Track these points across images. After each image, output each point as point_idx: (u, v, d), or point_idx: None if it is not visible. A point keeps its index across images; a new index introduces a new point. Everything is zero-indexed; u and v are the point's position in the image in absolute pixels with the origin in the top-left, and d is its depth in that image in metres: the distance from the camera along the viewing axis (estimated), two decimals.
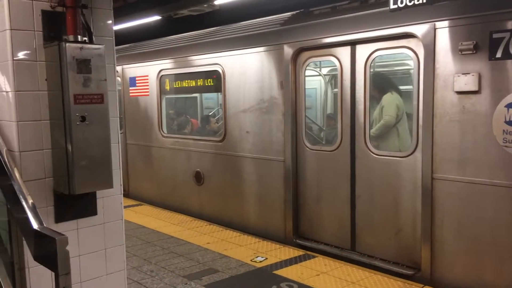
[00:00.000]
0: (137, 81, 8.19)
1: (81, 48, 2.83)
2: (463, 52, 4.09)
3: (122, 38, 9.45)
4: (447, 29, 4.25)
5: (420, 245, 4.57)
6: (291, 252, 5.33)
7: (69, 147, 2.81)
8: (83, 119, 2.84)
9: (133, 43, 9.09)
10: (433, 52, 4.33)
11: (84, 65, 2.83)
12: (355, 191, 5.14)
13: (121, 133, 8.81)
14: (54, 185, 3.00)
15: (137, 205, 7.87)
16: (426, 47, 4.38)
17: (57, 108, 2.88)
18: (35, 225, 2.35)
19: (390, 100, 5.17)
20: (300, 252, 5.31)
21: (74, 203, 3.07)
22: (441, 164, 4.33)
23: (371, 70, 4.96)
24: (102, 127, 2.94)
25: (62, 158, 2.88)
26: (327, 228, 5.46)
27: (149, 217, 6.99)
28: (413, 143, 4.60)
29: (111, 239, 3.30)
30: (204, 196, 7.03)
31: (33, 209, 2.43)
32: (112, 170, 3.00)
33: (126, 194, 8.67)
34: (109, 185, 3.00)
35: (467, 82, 4.09)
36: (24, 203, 2.45)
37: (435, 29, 4.30)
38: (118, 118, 3.31)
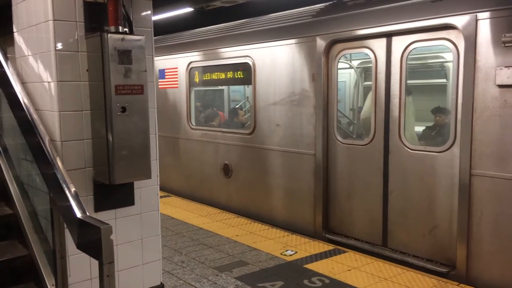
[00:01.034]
0: (166, 73, 8.23)
1: (122, 39, 2.84)
2: (506, 44, 3.95)
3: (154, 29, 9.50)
4: (489, 20, 4.11)
5: (456, 242, 4.47)
6: (320, 246, 5.28)
7: (110, 138, 2.84)
8: (123, 109, 2.86)
9: (162, 35, 9.13)
10: (474, 44, 4.19)
11: (125, 56, 2.85)
12: (388, 186, 5.05)
13: None
14: (94, 175, 3.03)
15: (165, 196, 7.94)
16: (467, 39, 4.24)
17: (98, 98, 2.91)
18: (78, 213, 2.37)
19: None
20: (330, 247, 5.26)
21: (113, 193, 3.10)
22: (480, 160, 4.21)
23: (408, 62, 4.84)
24: (142, 118, 2.95)
25: (103, 148, 2.91)
26: (358, 223, 5.39)
27: (178, 208, 7.04)
28: (451, 138, 4.48)
29: (148, 229, 3.33)
30: (232, 189, 7.03)
31: (76, 198, 2.46)
32: (150, 161, 3.02)
33: None
34: (148, 175, 3.02)
35: (510, 76, 3.94)
36: (67, 192, 2.49)
37: (476, 20, 4.16)
38: (155, 109, 3.32)
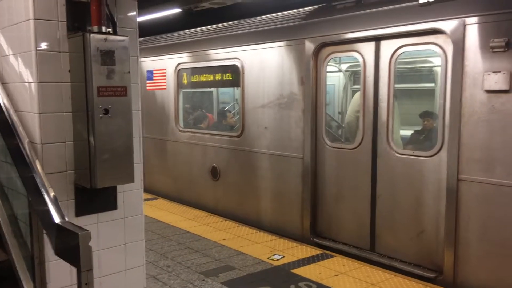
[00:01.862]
0: (154, 75, 8.15)
1: (105, 40, 2.77)
2: (494, 50, 3.95)
3: (140, 30, 9.41)
4: (477, 25, 4.11)
5: (443, 247, 4.45)
6: (308, 251, 5.24)
7: (92, 140, 2.76)
8: (106, 111, 2.78)
9: (151, 36, 9.04)
10: (462, 49, 4.19)
11: (108, 56, 2.77)
12: (376, 190, 5.03)
13: None
14: (75, 178, 2.95)
15: (152, 199, 7.85)
16: (455, 44, 4.24)
17: (80, 100, 2.83)
18: (57, 219, 2.30)
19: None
20: (318, 251, 5.22)
21: (95, 197, 3.02)
22: (467, 165, 4.20)
23: (396, 66, 4.83)
24: (125, 121, 2.88)
25: (84, 151, 2.83)
26: (345, 228, 5.36)
27: (165, 211, 6.96)
28: (439, 143, 4.47)
29: (131, 234, 3.25)
30: (220, 192, 6.97)
31: (55, 202, 2.38)
32: (133, 164, 2.94)
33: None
34: (131, 179, 2.94)
35: (498, 81, 3.95)
36: (46, 196, 2.41)
37: (464, 25, 4.16)
38: (140, 111, 3.25)
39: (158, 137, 8.17)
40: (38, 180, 2.49)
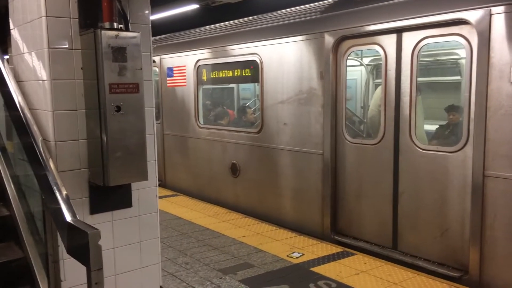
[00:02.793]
0: (174, 72, 8.15)
1: (116, 36, 2.74)
2: None
3: (161, 28, 9.46)
4: (503, 14, 3.92)
5: (469, 246, 4.29)
6: (328, 248, 5.15)
7: (104, 138, 2.75)
8: (118, 109, 2.76)
9: (171, 33, 9.06)
10: (488, 40, 4.01)
11: (119, 53, 2.75)
12: (398, 187, 4.89)
13: (158, 124, 8.82)
14: (89, 176, 2.95)
15: (173, 195, 7.87)
16: (480, 35, 4.06)
17: (92, 97, 2.82)
18: (68, 217, 2.29)
19: None
20: (338, 249, 5.12)
21: (109, 195, 3.01)
22: (494, 161, 4.03)
23: (419, 59, 4.67)
24: (138, 117, 2.85)
25: (97, 149, 2.82)
26: (367, 225, 5.24)
27: (185, 208, 6.96)
28: (464, 138, 4.31)
29: (146, 232, 3.23)
30: (240, 189, 6.93)
31: (67, 201, 2.37)
32: (147, 162, 2.92)
33: (163, 185, 8.70)
34: (144, 177, 2.92)
35: None
36: (58, 194, 2.40)
37: (490, 15, 3.98)
38: (154, 108, 3.23)
39: (179, 134, 8.19)
40: (50, 179, 2.49)
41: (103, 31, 2.70)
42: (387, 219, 5.01)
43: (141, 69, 2.83)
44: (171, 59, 8.21)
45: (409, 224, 4.82)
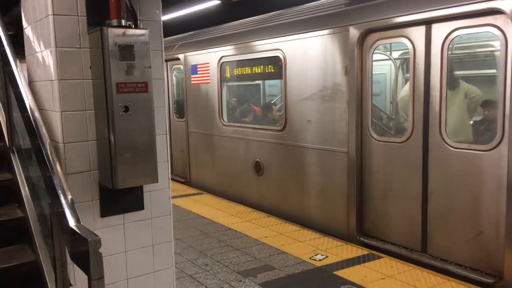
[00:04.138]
0: (198, 69, 8.08)
1: (123, 33, 2.64)
2: None
3: (185, 26, 9.42)
4: None
5: (504, 250, 4.02)
6: (354, 251, 4.95)
7: (112, 139, 2.66)
8: (126, 109, 2.66)
9: (195, 31, 8.99)
10: None
11: (127, 51, 2.65)
12: (427, 187, 4.64)
13: (182, 121, 8.79)
14: (99, 178, 2.87)
15: (197, 193, 7.82)
16: None
17: (100, 97, 2.73)
18: (71, 222, 2.20)
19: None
20: (364, 252, 4.91)
21: (120, 197, 2.93)
22: None
23: (449, 52, 4.39)
24: (147, 118, 2.75)
25: (106, 151, 2.73)
26: (394, 227, 5.01)
27: (208, 207, 6.89)
28: (498, 135, 4.02)
29: (159, 235, 3.14)
30: (264, 187, 6.79)
31: (71, 205, 2.29)
32: (157, 164, 2.81)
33: (188, 183, 8.67)
34: (154, 179, 2.81)
35: None
36: (62, 198, 2.32)
37: None
38: (166, 107, 3.12)
39: (203, 132, 8.12)
40: (56, 182, 2.41)
41: (109, 29, 2.61)
42: (416, 221, 4.77)
43: (150, 67, 2.73)
44: (195, 57, 8.15)
45: (440, 226, 4.57)
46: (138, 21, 2.85)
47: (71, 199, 2.33)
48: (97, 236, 2.03)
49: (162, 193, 3.12)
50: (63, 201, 2.31)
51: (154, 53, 2.97)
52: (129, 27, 2.71)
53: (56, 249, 2.55)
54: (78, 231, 2.12)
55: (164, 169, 3.06)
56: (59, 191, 2.36)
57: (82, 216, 2.29)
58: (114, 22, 2.69)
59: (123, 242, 3.00)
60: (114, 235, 2.94)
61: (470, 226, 4.32)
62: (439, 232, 4.58)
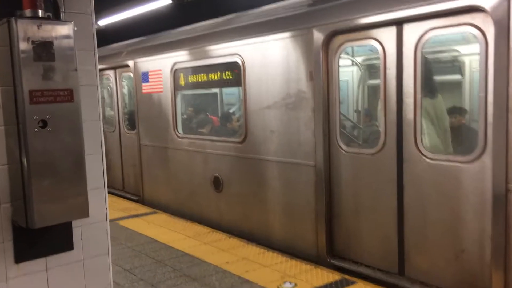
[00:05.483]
0: (150, 76, 7.45)
1: (39, 26, 2.04)
2: None
3: (135, 31, 8.77)
4: None
5: (490, 270, 3.66)
6: (325, 275, 4.47)
7: (25, 163, 2.04)
8: (44, 124, 2.06)
9: (147, 36, 8.36)
10: (507, 30, 3.39)
11: (44, 49, 2.06)
12: (403, 202, 4.24)
13: (133, 133, 8.11)
14: (12, 214, 2.23)
15: (151, 213, 7.14)
16: (497, 24, 3.44)
17: (10, 109, 2.11)
18: None
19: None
20: (336, 276, 4.44)
21: (41, 236, 2.30)
22: None
23: (423, 55, 4.04)
24: (72, 134, 2.15)
25: (18, 178, 2.11)
26: (368, 246, 4.58)
27: (163, 228, 6.24)
28: (480, 146, 3.67)
29: (94, 280, 2.52)
30: (224, 205, 6.23)
31: None
32: (87, 192, 2.21)
33: (141, 201, 7.98)
34: (83, 213, 2.21)
35: None
36: None
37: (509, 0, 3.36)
38: (101, 121, 2.52)
39: (157, 145, 7.47)
40: None
41: (19, 21, 2.01)
42: (392, 240, 4.36)
43: (76, 70, 2.13)
44: (145, 63, 7.51)
45: (418, 245, 4.17)
46: (62, 13, 2.26)
47: None
48: None
49: (98, 227, 2.51)
50: None
51: (84, 53, 2.39)
52: (47, 18, 2.11)
53: None
54: None
55: (99, 197, 2.46)
56: None
57: None
58: (28, 12, 2.08)
59: None
60: (33, 286, 2.31)
61: (451, 245, 3.95)
62: (417, 251, 4.18)
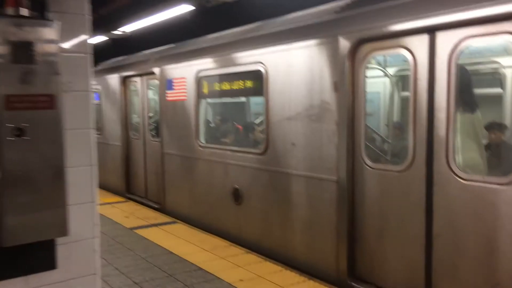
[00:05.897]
0: (174, 84, 7.33)
1: (18, 26, 1.87)
2: None
3: (164, 39, 8.73)
4: None
5: None
6: None
7: None
8: (19, 132, 1.88)
9: (172, 44, 8.29)
10: None
11: (23, 51, 1.88)
12: (432, 227, 3.87)
13: (157, 142, 8.00)
14: None
15: (170, 223, 6.98)
16: None
17: None
18: None
19: None
20: None
21: (20, 253, 2.12)
22: None
23: (458, 65, 3.68)
24: (52, 144, 1.97)
25: None
26: (392, 271, 4.21)
27: (180, 240, 6.05)
28: None
29: None
30: (243, 218, 5.98)
31: None
32: (66, 208, 2.02)
33: (162, 209, 7.84)
34: (61, 231, 2.02)
35: None
36: None
37: None
38: (92, 129, 2.33)
39: (179, 154, 7.32)
40: None
41: None
42: (418, 266, 3.98)
43: (57, 74, 1.95)
44: (170, 71, 7.41)
45: (447, 274, 3.78)
46: (48, 13, 2.09)
47: None
48: None
49: (85, 245, 2.31)
50: None
51: (76, 56, 2.21)
52: (28, 17, 1.94)
53: None
54: None
55: (86, 213, 2.26)
56: None
57: None
58: (9, 10, 1.92)
59: None
60: None
61: (485, 276, 3.55)
62: (446, 282, 3.79)
